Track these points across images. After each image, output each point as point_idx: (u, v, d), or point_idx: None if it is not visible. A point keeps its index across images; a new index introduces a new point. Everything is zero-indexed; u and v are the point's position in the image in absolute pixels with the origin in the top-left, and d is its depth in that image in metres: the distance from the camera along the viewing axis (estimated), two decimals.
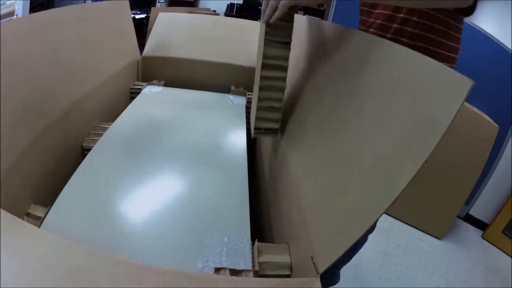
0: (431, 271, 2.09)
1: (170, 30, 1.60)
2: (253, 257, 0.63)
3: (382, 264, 2.06)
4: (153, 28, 1.60)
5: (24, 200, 0.78)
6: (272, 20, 0.74)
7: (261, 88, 0.82)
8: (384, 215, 2.32)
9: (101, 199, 0.76)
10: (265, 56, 0.79)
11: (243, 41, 1.54)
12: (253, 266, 0.61)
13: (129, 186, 0.81)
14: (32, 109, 0.84)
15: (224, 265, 0.60)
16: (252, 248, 0.65)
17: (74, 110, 1.02)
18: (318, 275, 0.51)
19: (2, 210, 0.54)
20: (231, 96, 1.39)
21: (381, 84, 0.56)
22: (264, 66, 0.80)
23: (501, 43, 2.26)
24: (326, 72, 0.81)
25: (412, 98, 0.47)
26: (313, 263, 0.53)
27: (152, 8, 1.59)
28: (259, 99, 0.83)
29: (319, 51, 0.90)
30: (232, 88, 1.47)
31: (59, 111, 0.94)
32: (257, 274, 0.60)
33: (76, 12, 1.09)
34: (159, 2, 5.93)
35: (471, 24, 2.27)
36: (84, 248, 0.52)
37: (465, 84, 0.39)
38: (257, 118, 0.86)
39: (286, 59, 0.80)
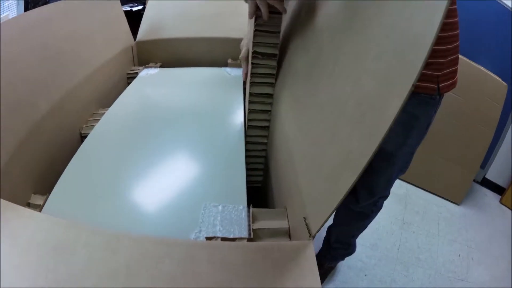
0: (452, 238, 2.06)
1: (161, 13, 1.57)
2: (249, 225, 0.61)
3: (401, 233, 2.03)
4: (144, 14, 1.58)
5: (25, 191, 0.78)
6: (264, 17, 0.80)
7: (252, 84, 0.89)
8: (400, 181, 2.30)
9: (98, 182, 0.76)
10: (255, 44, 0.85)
11: (236, 14, 1.51)
12: (250, 234, 0.59)
13: (126, 167, 0.81)
14: (25, 103, 0.84)
15: (218, 234, 0.58)
16: (249, 216, 0.63)
17: (68, 99, 1.01)
18: (311, 238, 0.49)
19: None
20: (228, 69, 1.37)
21: (357, 23, 0.54)
22: (254, 57, 0.86)
23: (502, 1, 2.17)
24: (311, 25, 0.79)
25: (390, 25, 0.44)
26: (306, 225, 0.50)
27: (148, 0, 1.56)
28: (251, 94, 0.90)
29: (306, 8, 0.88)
30: (229, 61, 1.44)
31: (52, 102, 0.94)
32: (253, 242, 0.57)
33: (63, 7, 1.09)
34: None
35: None
36: (66, 222, 0.53)
37: None
38: (250, 112, 0.92)
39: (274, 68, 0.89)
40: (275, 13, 0.82)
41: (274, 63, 0.89)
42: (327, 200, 0.46)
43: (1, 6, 2.98)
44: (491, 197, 2.52)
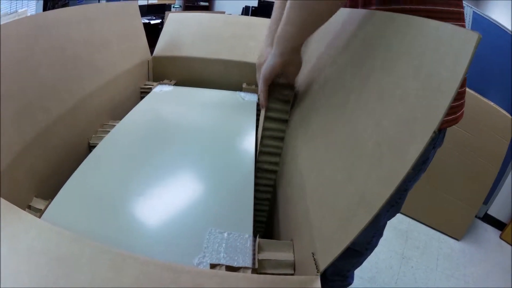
0: (450, 274, 2.04)
1: (180, 30, 1.59)
2: (254, 254, 0.60)
3: (400, 267, 2.02)
4: (163, 29, 1.60)
5: (27, 193, 0.78)
6: (261, 104, 0.90)
7: (263, 137, 0.92)
8: (403, 216, 2.30)
9: (104, 194, 0.75)
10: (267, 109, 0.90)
11: (254, 38, 1.52)
12: (254, 264, 0.58)
13: (132, 182, 0.80)
14: (36, 106, 0.84)
15: (222, 261, 0.57)
16: (254, 245, 0.62)
17: (80, 107, 1.01)
18: (319, 274, 0.47)
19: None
20: (242, 94, 1.37)
21: (381, 60, 0.54)
22: (266, 118, 0.91)
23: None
24: (329, 57, 0.81)
25: (415, 67, 0.44)
26: (314, 260, 0.50)
27: (166, 13, 1.58)
28: (261, 144, 0.92)
29: (325, 37, 0.89)
30: (244, 85, 1.45)
31: (64, 108, 0.94)
32: (257, 272, 0.56)
33: (83, 12, 1.09)
34: (173, 7, 5.99)
35: (482, 15, 2.20)
36: (72, 235, 0.52)
37: (471, 38, 0.35)
38: (258, 161, 0.93)
39: (287, 112, 0.92)
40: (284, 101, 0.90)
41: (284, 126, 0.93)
42: (339, 238, 0.45)
43: (21, 2, 3.03)
44: (491, 233, 2.52)
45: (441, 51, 0.40)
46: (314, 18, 0.71)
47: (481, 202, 2.29)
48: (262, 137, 0.92)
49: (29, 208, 0.76)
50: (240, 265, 0.56)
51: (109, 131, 1.03)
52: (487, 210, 2.55)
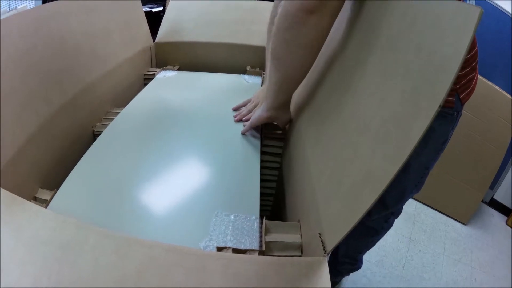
0: (457, 258, 2.04)
1: (182, 16, 1.57)
2: (261, 237, 0.59)
3: (408, 250, 2.01)
4: (165, 16, 1.58)
5: (32, 185, 0.78)
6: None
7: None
8: (410, 199, 2.28)
9: (109, 182, 0.75)
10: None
11: (257, 21, 1.50)
12: (261, 246, 0.57)
13: (137, 168, 0.80)
14: (38, 98, 0.83)
15: (229, 244, 0.57)
16: (261, 227, 0.62)
17: (82, 97, 1.01)
18: (326, 255, 0.47)
19: (2, 189, 0.55)
20: (246, 77, 1.36)
21: (383, 40, 0.53)
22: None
23: None
24: (337, 42, 0.78)
25: (417, 43, 0.43)
26: (321, 241, 0.49)
27: (169, 1, 1.56)
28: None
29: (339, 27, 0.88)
30: (248, 68, 1.44)
31: (66, 98, 0.94)
32: (264, 255, 0.56)
33: (82, 3, 1.09)
34: None
35: (488, 1, 2.16)
36: (75, 221, 0.51)
37: (472, 13, 0.34)
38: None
39: (280, 147, 0.97)
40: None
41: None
42: (345, 218, 0.45)
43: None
44: (497, 218, 2.50)
45: (443, 28, 0.39)
46: (290, 82, 0.79)
47: (487, 186, 2.27)
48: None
49: (35, 199, 0.76)
50: (247, 248, 0.56)
51: (113, 118, 1.03)
52: (493, 195, 2.53)
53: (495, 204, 2.56)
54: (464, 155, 2.17)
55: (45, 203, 0.70)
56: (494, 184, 2.47)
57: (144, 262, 0.45)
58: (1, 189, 0.56)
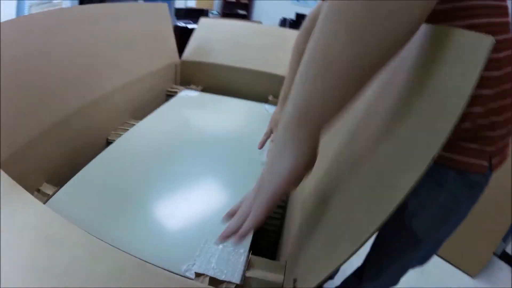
0: None
1: (211, 36, 1.60)
2: (244, 271, 0.59)
3: None
4: (194, 34, 1.62)
5: (37, 177, 0.81)
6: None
7: None
8: None
9: (111, 190, 0.77)
10: None
11: (284, 50, 1.51)
12: (241, 280, 0.57)
13: (142, 181, 0.81)
14: (56, 96, 0.87)
15: (210, 272, 0.56)
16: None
17: (99, 103, 1.04)
18: None
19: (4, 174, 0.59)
20: (267, 106, 1.37)
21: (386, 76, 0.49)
22: None
23: None
24: None
25: (421, 81, 0.39)
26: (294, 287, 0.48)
27: (201, 18, 1.60)
28: None
29: None
30: (270, 97, 1.44)
31: (83, 102, 0.97)
32: None
33: (109, 10, 1.13)
34: (211, 13, 6.08)
35: None
36: (63, 220, 0.54)
37: (482, 43, 0.30)
38: None
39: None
40: None
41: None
42: (320, 267, 0.43)
43: None
44: (506, 272, 2.40)
45: (449, 61, 0.35)
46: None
47: (500, 238, 2.20)
48: None
49: (38, 191, 0.79)
50: (227, 279, 0.56)
51: (128, 129, 1.05)
52: (505, 247, 2.45)
53: (505, 257, 2.47)
54: (478, 205, 2.11)
55: (46, 196, 0.74)
56: (508, 236, 2.39)
57: (111, 271, 0.46)
58: (3, 174, 0.59)
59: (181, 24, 4.96)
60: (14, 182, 0.60)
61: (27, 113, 0.77)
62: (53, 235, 0.51)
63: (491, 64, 0.60)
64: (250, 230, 0.43)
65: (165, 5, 1.45)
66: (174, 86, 1.52)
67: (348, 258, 0.37)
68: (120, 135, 1.03)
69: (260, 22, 5.15)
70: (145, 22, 1.33)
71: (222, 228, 0.65)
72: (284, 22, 6.36)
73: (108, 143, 1.07)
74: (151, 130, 1.06)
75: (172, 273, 0.48)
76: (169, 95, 1.45)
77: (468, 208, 0.80)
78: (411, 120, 0.38)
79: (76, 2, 3.41)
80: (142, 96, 1.28)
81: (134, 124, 1.10)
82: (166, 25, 1.48)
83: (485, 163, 0.68)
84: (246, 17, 6.63)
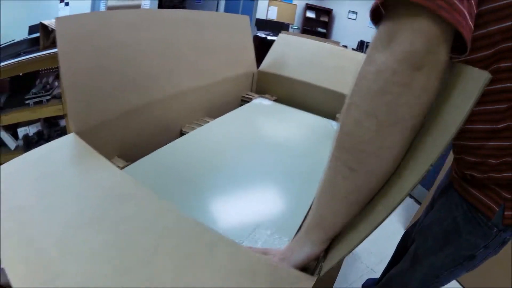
0: None
1: (288, 51, 1.70)
2: None
3: None
4: (272, 47, 1.72)
5: (110, 151, 0.93)
6: None
7: None
8: None
9: (178, 173, 0.88)
10: None
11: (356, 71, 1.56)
12: None
13: (207, 170, 0.90)
14: (136, 85, 1.01)
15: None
16: None
17: (178, 98, 1.17)
18: (315, 276, 0.49)
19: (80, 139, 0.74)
20: (334, 123, 1.42)
21: None
22: None
23: None
24: None
25: (437, 106, 0.44)
26: (320, 265, 0.53)
27: (280, 34, 1.71)
28: None
29: None
30: (337, 116, 1.48)
31: (163, 94, 1.10)
32: None
33: (193, 16, 1.26)
34: (292, 28, 6.21)
35: None
36: (132, 180, 0.66)
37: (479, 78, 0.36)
38: None
39: None
40: None
41: None
42: (342, 246, 0.49)
43: None
44: None
45: (456, 91, 0.41)
46: (372, 189, 0.47)
47: None
48: None
49: None
50: None
51: (201, 125, 1.18)
52: None
53: None
54: None
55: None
56: None
57: (172, 224, 0.57)
58: (81, 140, 0.75)
59: (261, 34, 5.15)
60: (91, 148, 0.73)
61: (110, 95, 0.91)
62: (122, 192, 0.63)
63: None
64: None
65: (246, 18, 1.58)
66: (250, 93, 1.63)
67: (365, 237, 0.43)
68: (193, 128, 1.16)
69: (338, 42, 5.19)
70: (227, 31, 1.45)
71: (272, 218, 0.74)
72: (361, 45, 6.35)
73: (182, 134, 1.20)
74: (222, 129, 1.16)
75: (219, 234, 0.57)
76: (244, 101, 1.56)
77: (466, 249, 0.77)
78: (424, 135, 0.44)
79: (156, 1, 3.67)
80: (218, 98, 1.40)
81: (208, 121, 1.22)
82: (247, 36, 1.60)
83: (495, 208, 0.68)
84: (325, 36, 6.68)
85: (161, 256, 0.51)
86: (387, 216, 0.41)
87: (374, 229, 0.42)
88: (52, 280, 0.44)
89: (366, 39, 6.30)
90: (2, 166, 0.65)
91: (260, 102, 1.48)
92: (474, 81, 0.37)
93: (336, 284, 1.55)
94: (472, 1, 0.39)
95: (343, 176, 0.46)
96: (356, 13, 6.78)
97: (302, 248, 0.53)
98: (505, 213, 0.67)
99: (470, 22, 0.38)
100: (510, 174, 0.63)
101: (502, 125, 0.60)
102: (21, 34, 3.41)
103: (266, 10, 5.99)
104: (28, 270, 0.46)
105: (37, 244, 0.50)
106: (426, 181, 2.34)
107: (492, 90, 0.58)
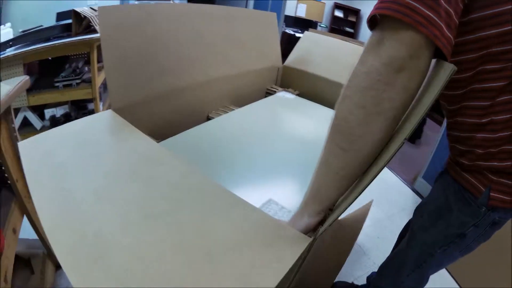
0: None
1: (312, 48, 1.77)
2: None
3: None
4: (297, 44, 1.80)
5: (142, 129, 1.00)
6: None
7: None
8: None
9: (203, 151, 0.98)
10: None
11: None
12: None
13: (229, 151, 1.00)
14: (172, 72, 1.12)
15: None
16: None
17: (207, 85, 1.28)
18: (312, 237, 0.58)
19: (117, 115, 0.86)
20: None
21: None
22: None
23: None
24: None
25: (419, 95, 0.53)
26: (318, 227, 0.61)
27: (306, 32, 1.77)
28: None
29: None
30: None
31: (193, 81, 1.21)
32: None
33: (225, 11, 1.37)
34: (320, 26, 6.23)
35: None
36: (163, 148, 0.78)
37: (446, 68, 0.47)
38: None
39: None
40: None
41: None
42: (341, 204, 0.58)
43: None
44: None
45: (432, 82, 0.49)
46: (359, 166, 0.56)
47: None
48: None
49: None
50: None
51: (227, 112, 1.28)
52: None
53: None
54: None
55: None
56: None
57: (198, 184, 0.68)
58: (118, 116, 0.88)
59: (289, 31, 5.20)
60: (126, 122, 0.85)
61: (146, 79, 1.02)
62: (154, 157, 0.73)
63: None
64: None
65: (273, 15, 1.67)
66: (274, 86, 1.72)
67: (351, 202, 0.53)
68: (219, 114, 1.26)
69: (363, 43, 5.18)
70: (255, 27, 1.55)
71: (284, 196, 0.84)
72: None
73: (208, 119, 1.30)
74: (246, 117, 1.25)
75: (239, 197, 0.66)
76: (268, 93, 1.65)
77: (456, 225, 0.82)
78: (404, 122, 0.53)
79: None
80: (244, 88, 1.50)
81: (233, 109, 1.32)
82: (273, 32, 1.69)
83: (481, 188, 0.75)
84: (353, 36, 6.67)
85: (185, 207, 0.61)
86: (368, 184, 0.50)
87: (359, 194, 0.51)
88: (84, 223, 0.55)
89: None
90: (45, 132, 0.78)
91: (284, 95, 1.56)
92: (444, 72, 0.46)
93: (342, 278, 1.62)
94: (453, 12, 0.48)
95: (335, 154, 0.56)
96: None
97: (301, 219, 0.62)
98: (491, 194, 0.74)
99: (448, 33, 0.47)
100: (495, 163, 0.70)
101: (485, 120, 0.68)
102: (48, 20, 3.53)
103: (295, 8, 6.02)
104: (61, 212, 0.57)
105: (73, 194, 0.61)
106: (432, 177, 2.37)
107: (477, 88, 0.67)
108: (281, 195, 0.84)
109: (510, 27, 0.58)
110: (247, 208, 0.64)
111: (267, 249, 0.54)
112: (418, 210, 0.96)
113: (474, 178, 0.76)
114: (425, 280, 1.01)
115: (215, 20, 1.30)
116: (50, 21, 3.59)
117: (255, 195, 0.82)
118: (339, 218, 0.60)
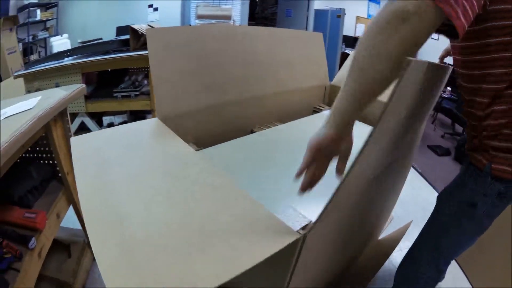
0: None
1: None
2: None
3: None
4: (345, 63, 1.82)
5: (187, 137, 1.08)
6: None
7: None
8: None
9: (242, 161, 1.05)
10: None
11: None
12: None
13: (266, 164, 1.06)
14: (218, 86, 1.21)
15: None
16: None
17: (254, 101, 1.35)
18: (301, 234, 0.62)
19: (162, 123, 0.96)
20: None
21: None
22: None
23: None
24: None
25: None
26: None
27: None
28: None
29: None
30: None
31: (240, 96, 1.29)
32: None
33: (272, 32, 1.45)
34: None
35: None
36: (198, 152, 0.89)
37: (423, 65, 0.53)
38: None
39: None
40: None
41: None
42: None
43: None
44: None
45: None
46: (368, 95, 0.64)
47: None
48: None
49: None
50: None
51: (270, 127, 1.34)
52: None
53: None
54: None
55: None
56: None
57: (224, 183, 0.75)
58: (163, 124, 0.97)
59: (348, 51, 5.19)
60: (169, 129, 0.94)
61: (193, 94, 1.12)
62: (188, 161, 0.81)
63: None
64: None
65: (320, 35, 1.72)
66: (322, 104, 1.75)
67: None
68: (263, 129, 1.33)
69: None
70: (303, 47, 1.61)
71: (308, 203, 0.87)
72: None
73: (251, 131, 1.37)
74: (289, 133, 1.30)
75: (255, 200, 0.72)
76: (315, 111, 1.69)
77: (470, 194, 0.90)
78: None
79: (247, 5, 3.92)
80: (291, 106, 1.55)
81: (277, 125, 1.37)
82: (320, 52, 1.74)
83: (484, 161, 0.85)
84: None
85: (201, 200, 0.69)
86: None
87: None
88: (115, 206, 0.64)
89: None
90: (96, 131, 0.92)
91: None
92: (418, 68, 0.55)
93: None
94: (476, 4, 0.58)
95: (354, 79, 0.64)
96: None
97: (320, 130, 0.73)
98: (493, 165, 0.83)
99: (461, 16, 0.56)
100: (496, 143, 0.82)
101: (487, 111, 0.82)
102: (108, 33, 3.72)
103: (354, 28, 6.02)
104: (100, 199, 0.66)
105: (110, 185, 0.71)
106: None
107: (482, 88, 0.81)
108: (305, 205, 0.88)
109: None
110: (253, 204, 0.71)
111: (255, 237, 0.61)
112: (441, 192, 1.03)
113: (480, 155, 0.87)
114: (446, 265, 1.09)
115: (263, 40, 1.38)
116: (108, 33, 3.82)
117: (276, 203, 0.88)
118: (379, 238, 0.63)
